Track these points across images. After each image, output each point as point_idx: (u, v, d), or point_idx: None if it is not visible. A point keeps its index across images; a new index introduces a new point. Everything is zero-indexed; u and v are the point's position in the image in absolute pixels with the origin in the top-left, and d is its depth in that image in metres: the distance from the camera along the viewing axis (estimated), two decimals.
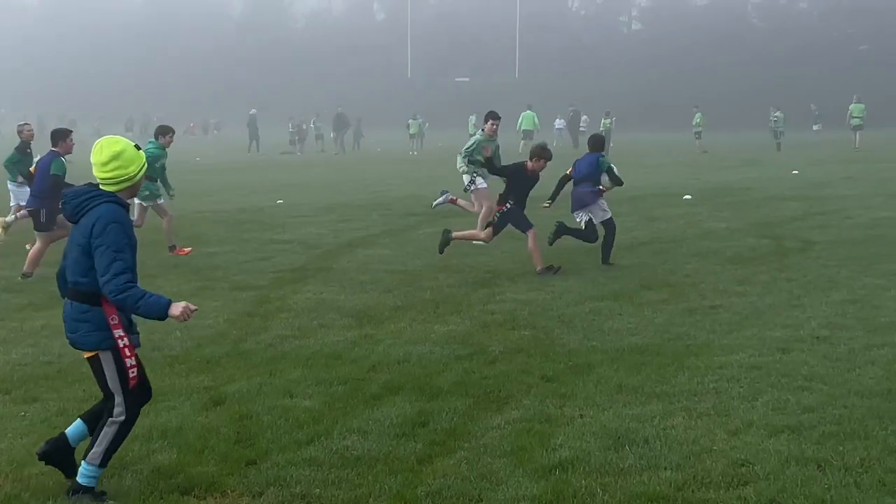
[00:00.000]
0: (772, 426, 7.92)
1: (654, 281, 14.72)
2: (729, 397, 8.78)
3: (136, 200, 17.95)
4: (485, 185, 18.74)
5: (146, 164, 6.93)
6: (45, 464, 7.08)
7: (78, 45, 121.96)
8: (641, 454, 7.42)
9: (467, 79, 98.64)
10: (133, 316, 6.86)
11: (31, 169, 17.33)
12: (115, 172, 6.68)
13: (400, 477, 7.10)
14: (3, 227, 18.28)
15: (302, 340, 11.48)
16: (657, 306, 12.88)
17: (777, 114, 55.63)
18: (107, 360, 6.72)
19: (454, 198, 20.56)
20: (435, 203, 21.08)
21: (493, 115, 18.93)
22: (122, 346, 6.68)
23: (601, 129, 58.36)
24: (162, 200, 18.45)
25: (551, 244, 16.63)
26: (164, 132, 18.44)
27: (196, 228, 21.59)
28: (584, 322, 12.07)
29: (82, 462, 6.82)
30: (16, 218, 19.10)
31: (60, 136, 16.70)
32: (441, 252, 16.58)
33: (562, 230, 16.62)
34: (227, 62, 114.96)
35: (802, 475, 6.90)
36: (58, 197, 15.47)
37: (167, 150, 18.46)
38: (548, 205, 16.89)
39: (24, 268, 16.16)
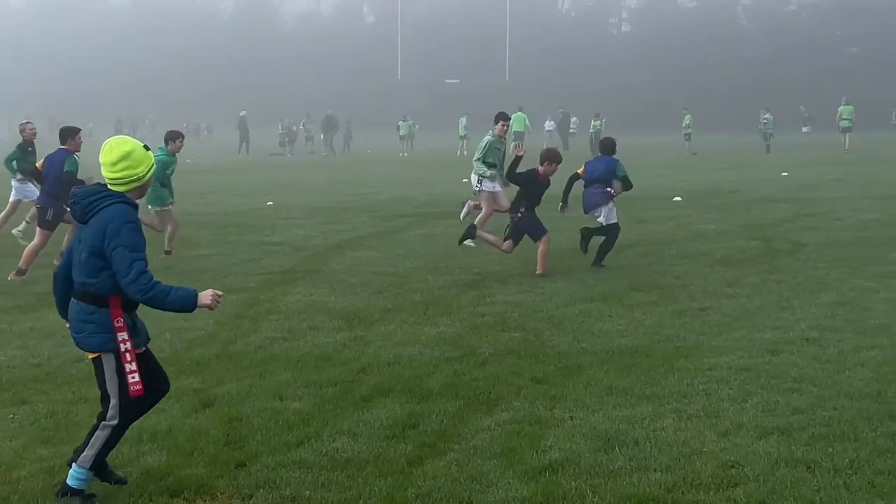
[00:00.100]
0: (761, 428, 7.93)
1: (643, 283, 14.73)
2: (719, 399, 8.79)
3: (151, 208, 17.97)
4: (490, 188, 18.64)
5: (154, 165, 6.92)
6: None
7: (67, 45, 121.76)
8: (631, 456, 7.42)
9: (457, 80, 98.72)
10: (133, 317, 6.86)
11: (39, 164, 17.32)
12: (125, 173, 6.66)
13: (390, 479, 7.09)
14: (23, 236, 18.48)
15: (292, 342, 11.47)
16: (647, 308, 12.89)
17: (767, 116, 55.77)
18: (108, 362, 6.69)
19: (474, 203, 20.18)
20: (462, 215, 20.49)
21: (503, 117, 18.83)
22: (123, 350, 6.65)
23: (591, 130, 58.48)
24: (170, 207, 18.40)
25: (585, 251, 16.65)
26: (173, 137, 18.26)
27: (185, 230, 21.53)
28: (573, 324, 12.07)
29: (73, 464, 6.80)
30: (27, 223, 19.36)
31: (69, 134, 16.83)
32: (460, 243, 16.74)
33: (589, 234, 16.62)
34: (217, 64, 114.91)
35: (792, 477, 6.91)
36: (67, 195, 15.52)
37: (176, 155, 18.33)
38: (561, 207, 16.91)
39: (20, 263, 16.20)
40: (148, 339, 7.02)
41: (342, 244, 19.92)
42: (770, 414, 8.31)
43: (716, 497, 6.67)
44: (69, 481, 6.77)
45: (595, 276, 15.44)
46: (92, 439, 6.78)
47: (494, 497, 6.77)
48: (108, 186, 6.70)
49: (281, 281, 15.60)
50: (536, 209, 16.03)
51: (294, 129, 68.11)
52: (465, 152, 57.62)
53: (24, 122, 20.86)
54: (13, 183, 20.26)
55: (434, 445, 7.77)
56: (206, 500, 6.84)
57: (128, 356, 6.66)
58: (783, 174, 35.07)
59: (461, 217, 20.61)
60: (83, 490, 6.78)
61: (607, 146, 16.93)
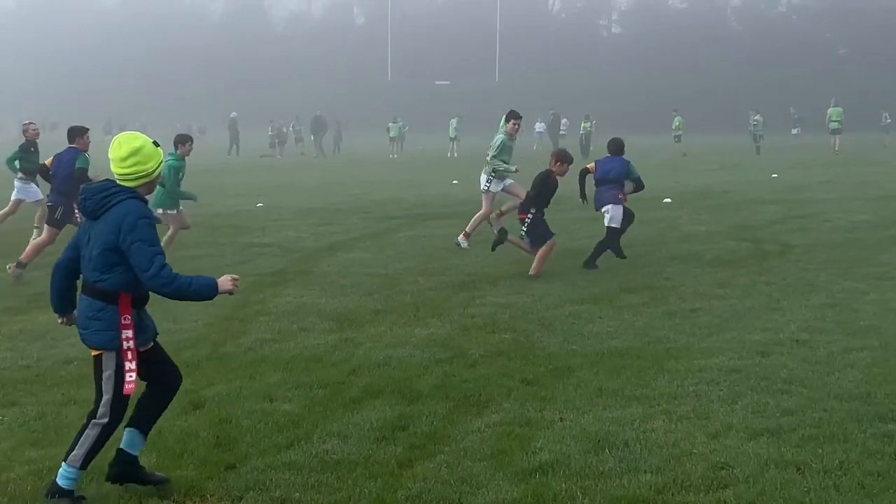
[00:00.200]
0: (751, 429, 7.93)
1: (634, 284, 14.74)
2: (709, 400, 8.79)
3: (159, 210, 17.93)
4: (497, 188, 18.62)
5: (163, 161, 6.93)
6: (120, 484, 6.97)
7: (56, 47, 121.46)
8: (621, 457, 7.42)
9: (448, 82, 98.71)
10: (142, 313, 6.87)
11: (48, 162, 17.32)
12: (134, 168, 6.68)
13: (380, 481, 7.09)
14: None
15: (282, 344, 11.46)
16: (637, 309, 12.90)
17: (756, 117, 55.85)
18: (109, 359, 6.68)
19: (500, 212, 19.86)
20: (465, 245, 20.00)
21: (514, 115, 18.78)
22: (125, 348, 6.65)
23: (581, 132, 58.50)
24: (175, 211, 18.39)
25: (623, 256, 16.89)
26: (182, 141, 18.26)
27: None
28: (564, 325, 12.07)
29: (63, 464, 6.78)
30: (36, 229, 19.46)
31: (78, 133, 17.00)
32: (493, 249, 16.58)
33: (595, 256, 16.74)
34: (208, 65, 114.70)
35: (782, 478, 6.92)
36: (77, 193, 15.62)
37: (185, 159, 18.29)
38: (583, 201, 17.27)
39: (23, 256, 16.27)
40: (156, 334, 7.02)
41: (333, 245, 19.91)
42: (760, 415, 8.32)
43: (706, 499, 6.67)
44: (59, 481, 6.74)
45: (585, 277, 15.45)
46: (82, 438, 6.76)
47: (484, 499, 6.77)
48: (118, 182, 6.71)
49: (271, 282, 15.59)
50: (545, 211, 16.05)
51: (284, 130, 68.09)
52: (456, 154, 57.64)
53: (26, 122, 20.97)
54: (16, 182, 20.32)
55: (424, 447, 7.76)
56: (195, 502, 6.83)
57: (129, 354, 6.66)
58: (773, 176, 35.14)
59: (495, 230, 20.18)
60: (73, 491, 6.76)
61: (616, 146, 17.13)
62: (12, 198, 20.34)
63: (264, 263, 17.54)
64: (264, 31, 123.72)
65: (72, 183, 16.23)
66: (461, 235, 18.22)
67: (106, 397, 6.72)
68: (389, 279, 15.73)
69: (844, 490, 6.70)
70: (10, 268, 16.29)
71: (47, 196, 17.25)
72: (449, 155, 57.75)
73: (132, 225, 6.50)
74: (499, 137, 18.40)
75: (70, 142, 16.95)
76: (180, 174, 17.93)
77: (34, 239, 18.56)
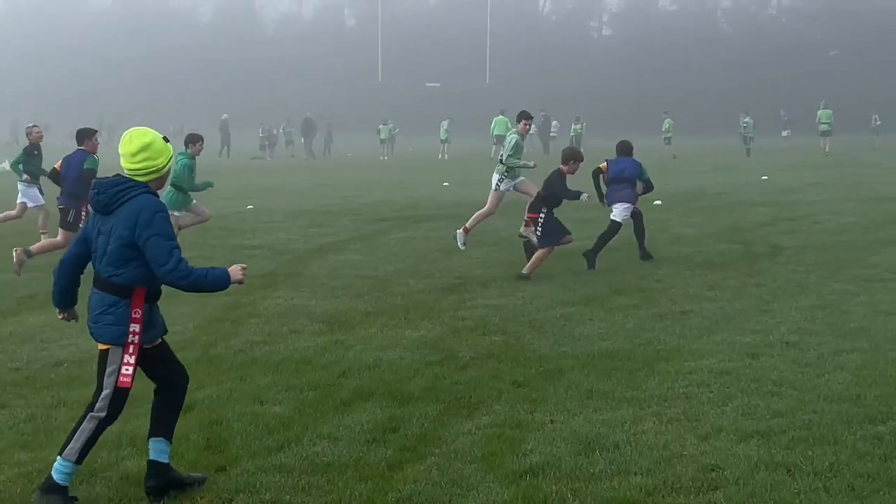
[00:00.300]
0: (741, 431, 7.94)
1: (624, 286, 14.75)
2: (699, 402, 8.80)
3: (172, 213, 18.00)
4: (506, 188, 18.68)
5: (173, 157, 6.94)
6: (161, 496, 6.90)
7: (46, 48, 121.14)
8: (612, 459, 7.43)
9: (438, 84, 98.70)
10: (153, 308, 6.88)
11: (57, 165, 17.33)
12: (144, 164, 6.69)
13: (370, 483, 7.08)
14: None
15: (272, 346, 11.45)
16: (628, 311, 12.91)
17: (747, 119, 55.93)
18: (115, 353, 6.68)
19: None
20: (460, 245, 19.77)
21: (525, 115, 19.02)
22: (129, 341, 6.65)
23: (571, 133, 58.60)
24: (183, 212, 18.55)
25: (648, 256, 17.16)
26: (193, 140, 18.44)
27: None
28: (554, 327, 12.08)
29: (58, 457, 6.76)
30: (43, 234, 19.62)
31: (86, 135, 17.05)
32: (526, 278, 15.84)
33: (640, 241, 17.20)
34: (198, 66, 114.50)
35: (772, 480, 6.93)
36: (86, 195, 15.77)
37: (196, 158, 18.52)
38: (603, 203, 17.35)
39: (34, 246, 16.38)
40: (165, 332, 7.02)
41: (323, 247, 19.90)
42: (750, 417, 8.33)
43: (696, 500, 6.67)
44: (54, 475, 6.72)
45: (576, 279, 15.45)
46: (78, 431, 6.75)
47: (475, 501, 6.77)
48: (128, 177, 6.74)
49: (261, 284, 15.57)
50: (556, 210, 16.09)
51: (274, 132, 68.01)
52: (447, 156, 57.65)
53: (30, 125, 21.05)
54: (19, 186, 20.37)
55: (414, 449, 7.76)
56: None
57: (131, 348, 6.66)
58: (763, 178, 35.17)
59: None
60: (67, 488, 6.74)
61: (626, 148, 17.42)
62: (18, 201, 20.41)
63: (255, 265, 17.51)
64: (254, 32, 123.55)
65: (80, 185, 16.31)
66: (461, 230, 18.38)
67: (106, 392, 6.71)
68: (380, 281, 15.73)
69: (834, 492, 6.71)
70: (16, 251, 16.43)
71: (57, 199, 17.24)
72: (440, 157, 57.77)
73: (149, 220, 6.52)
74: (512, 137, 18.60)
75: (78, 144, 17.03)
76: (193, 173, 18.21)
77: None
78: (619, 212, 16.89)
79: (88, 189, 16.16)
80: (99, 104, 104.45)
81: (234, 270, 6.80)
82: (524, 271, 15.62)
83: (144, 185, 6.69)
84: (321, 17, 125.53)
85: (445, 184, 36.26)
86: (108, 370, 6.70)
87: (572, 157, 16.07)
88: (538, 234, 15.86)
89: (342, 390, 9.48)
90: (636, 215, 17.11)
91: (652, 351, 10.81)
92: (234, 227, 23.44)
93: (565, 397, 9.07)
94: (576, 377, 9.74)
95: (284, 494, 6.94)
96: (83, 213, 16.43)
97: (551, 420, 8.42)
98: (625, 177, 17.00)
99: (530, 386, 9.51)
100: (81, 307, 7.08)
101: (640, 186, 17.15)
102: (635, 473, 7.15)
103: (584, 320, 12.42)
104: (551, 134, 64.70)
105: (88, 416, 6.76)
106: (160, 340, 6.98)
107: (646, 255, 17.15)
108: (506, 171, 18.47)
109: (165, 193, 17.86)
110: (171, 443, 7.04)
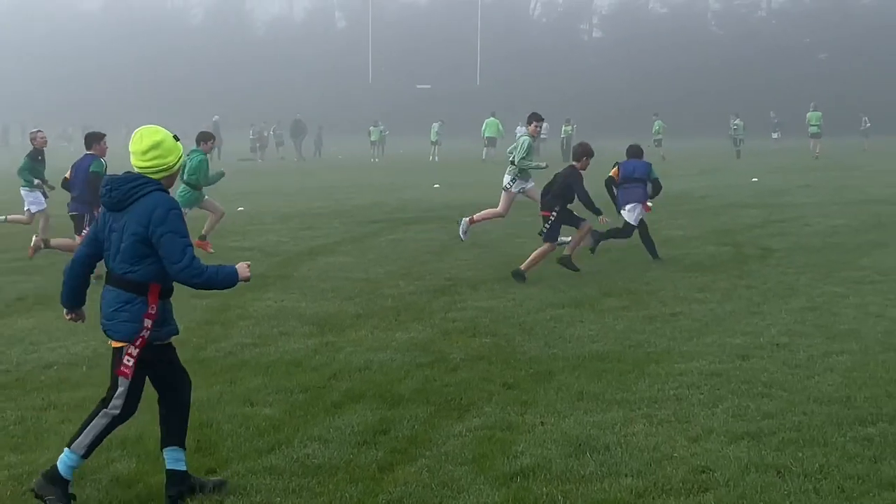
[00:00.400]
0: (732, 433, 7.95)
1: (614, 288, 14.76)
2: (689, 404, 8.81)
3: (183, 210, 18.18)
4: (519, 188, 18.70)
5: (182, 155, 6.96)
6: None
7: (36, 51, 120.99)
8: (602, 461, 7.43)
9: (429, 86, 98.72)
10: (167, 305, 6.88)
11: (68, 175, 17.31)
12: (154, 162, 6.70)
13: (361, 485, 7.08)
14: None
15: (262, 348, 11.44)
16: (618, 313, 12.92)
17: (737, 121, 56.00)
18: (129, 349, 6.67)
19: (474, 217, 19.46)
20: (462, 234, 19.29)
21: (536, 117, 19.20)
22: (140, 335, 6.64)
23: (562, 136, 58.57)
24: (191, 210, 18.74)
25: (654, 257, 17.29)
26: (205, 139, 19.13)
27: None
28: (545, 329, 12.08)
29: (65, 449, 6.75)
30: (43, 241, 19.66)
31: (95, 139, 17.06)
32: (524, 280, 15.65)
33: (609, 234, 17.29)
34: (189, 68, 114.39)
35: (762, 482, 6.94)
36: (96, 197, 15.83)
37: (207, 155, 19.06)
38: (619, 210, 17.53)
39: (53, 240, 16.50)
40: (176, 332, 7.00)
41: (313, 250, 19.88)
42: (740, 419, 8.34)
43: (686, 502, 6.68)
44: (59, 465, 6.71)
45: (566, 281, 15.45)
46: (89, 426, 6.75)
47: (465, 503, 6.77)
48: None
49: (252, 286, 15.48)
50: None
51: (265, 134, 67.91)
52: (437, 158, 57.62)
53: (34, 130, 21.02)
54: (22, 191, 20.38)
55: (405, 451, 7.76)
56: None
57: (138, 341, 6.64)
58: (753, 180, 35.23)
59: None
60: (69, 482, 6.72)
61: (636, 151, 17.87)
62: (25, 208, 20.46)
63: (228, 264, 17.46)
64: (245, 34, 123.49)
65: (88, 189, 16.31)
66: (468, 218, 18.76)
67: (121, 389, 6.70)
68: (370, 283, 15.72)
69: (824, 493, 6.72)
70: (36, 237, 16.49)
71: (67, 205, 17.18)
72: (430, 159, 57.76)
73: (163, 217, 6.53)
74: (524, 139, 18.68)
75: (87, 148, 17.02)
76: (208, 167, 18.79)
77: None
78: (632, 214, 17.11)
79: (96, 193, 16.27)
80: (88, 106, 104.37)
81: (241, 268, 6.85)
82: (521, 267, 15.63)
83: (157, 181, 6.71)
84: (312, 19, 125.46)
85: (436, 186, 36.27)
86: (124, 367, 6.69)
87: (585, 153, 16.13)
88: (546, 228, 15.90)
89: (332, 392, 9.48)
90: (641, 223, 17.31)
91: (642, 353, 10.82)
92: (225, 229, 23.37)
93: (556, 399, 9.07)
94: (566, 379, 9.74)
95: (275, 496, 6.94)
96: (87, 221, 16.44)
97: (542, 422, 8.42)
98: (636, 176, 17.26)
99: (521, 388, 9.51)
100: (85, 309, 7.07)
101: (649, 188, 17.38)
102: (626, 475, 7.16)
103: (575, 322, 12.43)
104: (542, 136, 64.61)
105: (102, 412, 6.75)
106: (168, 341, 6.95)
107: (656, 256, 17.32)
108: (518, 173, 18.52)
109: (178, 191, 18.02)
110: (185, 449, 7.00)
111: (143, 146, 6.69)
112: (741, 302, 13.49)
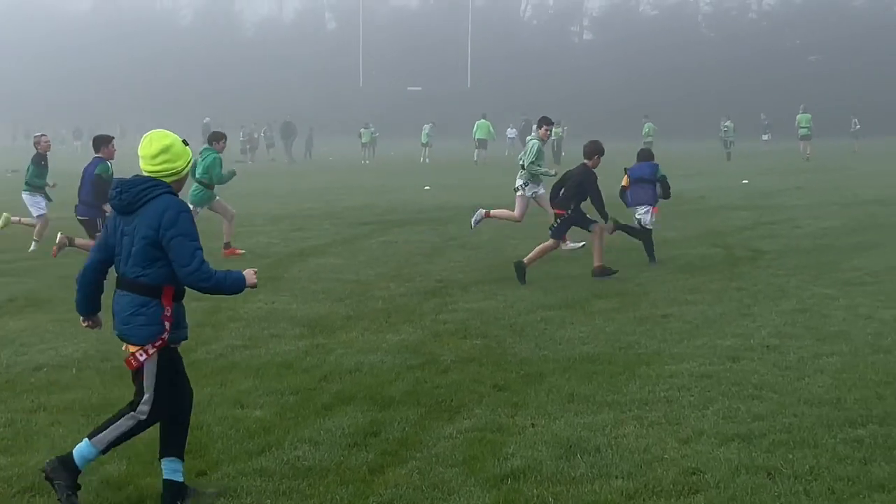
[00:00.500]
0: (722, 434, 7.96)
1: (605, 290, 14.77)
2: (680, 406, 8.82)
3: (195, 208, 18.51)
4: (532, 193, 18.71)
5: (192, 160, 6.97)
6: None
7: (25, 52, 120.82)
8: (593, 463, 7.43)
9: (419, 88, 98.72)
10: (181, 308, 6.87)
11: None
12: (164, 166, 6.70)
13: (351, 487, 7.07)
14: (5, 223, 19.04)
15: (253, 350, 11.42)
16: (608, 315, 12.92)
17: (727, 123, 56.07)
18: (148, 351, 6.65)
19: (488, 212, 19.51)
20: (473, 223, 19.09)
21: (546, 121, 19.21)
22: (160, 337, 6.63)
23: (553, 137, 58.55)
24: (202, 209, 18.95)
25: (651, 261, 17.33)
26: (217, 138, 19.42)
27: None
28: (535, 331, 12.09)
29: (86, 440, 6.75)
30: (36, 242, 20.04)
31: (103, 142, 17.14)
32: (522, 282, 15.58)
33: (622, 227, 17.39)
34: (179, 70, 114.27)
35: (752, 483, 6.94)
36: (103, 199, 16.15)
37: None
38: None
39: (78, 239, 16.64)
40: (186, 336, 7.00)
41: (304, 251, 19.87)
42: (731, 421, 8.35)
43: None
44: (75, 453, 6.71)
45: (557, 283, 15.46)
46: (115, 424, 6.75)
47: None
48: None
49: None
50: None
51: (255, 136, 67.86)
52: (428, 160, 57.63)
53: (38, 134, 21.04)
54: (24, 195, 20.38)
55: (396, 453, 7.75)
56: None
57: (159, 342, 6.63)
58: (744, 182, 35.28)
59: (472, 225, 19.28)
60: (79, 471, 6.72)
61: (646, 155, 18.10)
62: (35, 214, 20.45)
63: (235, 269, 17.44)
64: (235, 35, 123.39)
65: (93, 191, 16.37)
66: (485, 212, 18.62)
67: (148, 395, 6.71)
68: (361, 285, 15.71)
69: (815, 495, 6.73)
70: (61, 234, 16.53)
71: (75, 208, 17.16)
72: (421, 161, 57.76)
73: (173, 219, 6.53)
74: (534, 143, 18.69)
75: (95, 151, 17.08)
76: (221, 166, 19.03)
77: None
78: (646, 218, 17.36)
79: (100, 195, 16.31)
80: (78, 108, 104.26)
81: (249, 274, 6.89)
82: (525, 260, 15.66)
83: (167, 185, 6.71)
84: (302, 20, 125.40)
85: (427, 188, 36.27)
86: (146, 371, 6.69)
87: (596, 151, 16.20)
88: (557, 223, 15.93)
89: (323, 394, 9.47)
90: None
91: (633, 354, 10.83)
92: (215, 232, 23.32)
93: (546, 401, 9.07)
94: (557, 381, 9.74)
95: (265, 499, 6.93)
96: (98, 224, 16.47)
97: (532, 424, 8.42)
98: (646, 177, 17.45)
99: (511, 390, 9.51)
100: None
101: (659, 190, 17.55)
102: (616, 477, 7.16)
103: (565, 324, 12.43)
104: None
105: (130, 414, 6.75)
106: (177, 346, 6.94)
107: (653, 260, 17.34)
108: (529, 177, 18.53)
109: (191, 190, 18.06)
110: (183, 460, 6.98)
111: (152, 150, 6.69)
112: (732, 304, 13.51)
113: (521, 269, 15.57)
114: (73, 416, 8.93)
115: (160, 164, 6.68)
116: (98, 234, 16.38)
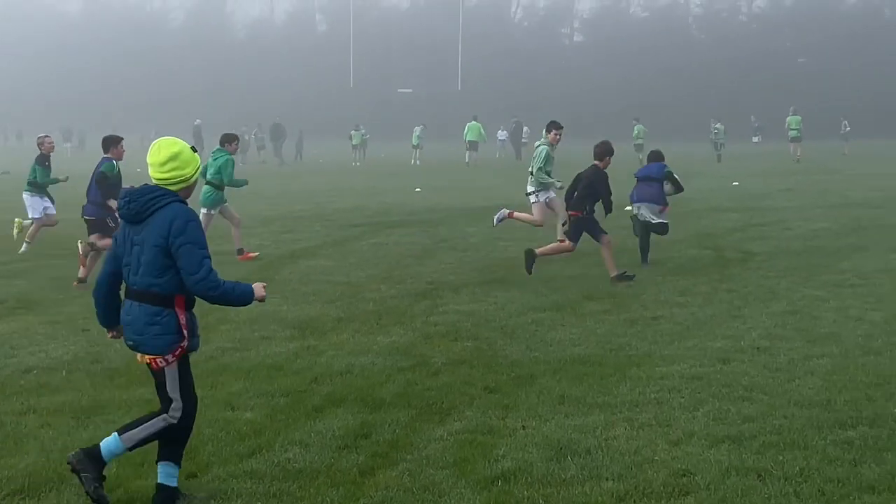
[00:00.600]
0: (713, 436, 7.97)
1: (596, 292, 14.77)
2: (670, 408, 8.82)
3: (204, 210, 18.79)
4: (545, 198, 18.69)
5: (200, 167, 6.98)
6: None
7: (14, 52, 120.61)
8: (583, 465, 7.43)
9: (410, 90, 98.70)
10: (193, 316, 6.86)
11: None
12: (173, 173, 6.71)
13: (342, 489, 7.07)
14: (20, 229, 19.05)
15: (243, 352, 11.41)
16: (599, 317, 12.93)
17: (718, 125, 56.16)
18: (168, 360, 6.67)
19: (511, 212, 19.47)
20: (496, 220, 18.95)
21: (555, 125, 19.11)
22: (180, 346, 6.66)
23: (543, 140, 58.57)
24: (216, 211, 19.16)
25: (644, 262, 17.38)
26: (229, 140, 19.37)
27: None
28: (526, 333, 12.09)
29: (115, 434, 6.77)
30: (27, 244, 20.08)
31: (112, 143, 17.04)
32: (529, 272, 15.99)
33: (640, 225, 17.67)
34: (169, 72, 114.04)
35: (743, 485, 6.95)
36: (107, 194, 16.30)
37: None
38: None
39: (100, 242, 16.52)
40: (196, 346, 6.99)
41: (294, 253, 19.86)
42: (721, 422, 8.36)
43: None
44: (102, 446, 6.73)
45: (548, 285, 15.46)
46: (146, 424, 6.78)
47: None
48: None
49: None
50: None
51: (246, 138, 67.73)
52: (419, 162, 57.61)
53: (42, 135, 21.06)
54: (25, 196, 20.36)
55: (386, 455, 7.75)
56: None
57: (178, 351, 6.67)
58: (734, 184, 35.31)
59: (495, 222, 19.20)
60: (105, 463, 6.74)
61: (657, 155, 18.41)
62: (43, 212, 20.42)
63: (225, 271, 17.25)
64: (226, 37, 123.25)
65: (98, 189, 16.37)
66: (507, 212, 18.48)
67: (175, 402, 6.75)
68: (352, 287, 15.70)
69: (805, 497, 6.74)
70: (81, 243, 16.61)
71: (83, 208, 17.11)
72: (412, 163, 57.72)
73: (182, 228, 6.54)
74: (543, 148, 18.66)
75: (105, 151, 16.99)
76: (233, 167, 19.06)
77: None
78: (645, 214, 17.44)
79: (106, 193, 16.33)
80: (68, 109, 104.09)
81: (258, 288, 6.88)
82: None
83: (175, 193, 6.72)
84: (293, 22, 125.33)
85: (417, 189, 36.25)
86: (168, 379, 6.72)
87: (607, 151, 16.34)
88: (571, 227, 16.13)
89: (314, 396, 9.46)
90: (647, 226, 17.50)
91: (623, 356, 10.84)
92: (223, 234, 23.30)
93: (537, 403, 9.08)
94: (547, 383, 9.75)
95: (256, 501, 6.92)
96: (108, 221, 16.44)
97: (523, 426, 8.42)
98: (652, 176, 17.63)
99: (502, 391, 9.51)
100: None
101: (668, 187, 17.71)
102: (607, 479, 7.16)
103: (556, 326, 12.44)
104: (523, 140, 64.70)
105: (162, 416, 6.78)
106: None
107: (646, 262, 17.39)
108: (538, 183, 18.50)
109: (202, 192, 18.05)
110: (180, 466, 6.97)
111: (161, 158, 6.70)
112: (722, 305, 13.52)
113: (531, 257, 15.70)
114: (63, 418, 8.91)
115: (169, 171, 6.70)
116: (112, 228, 16.47)
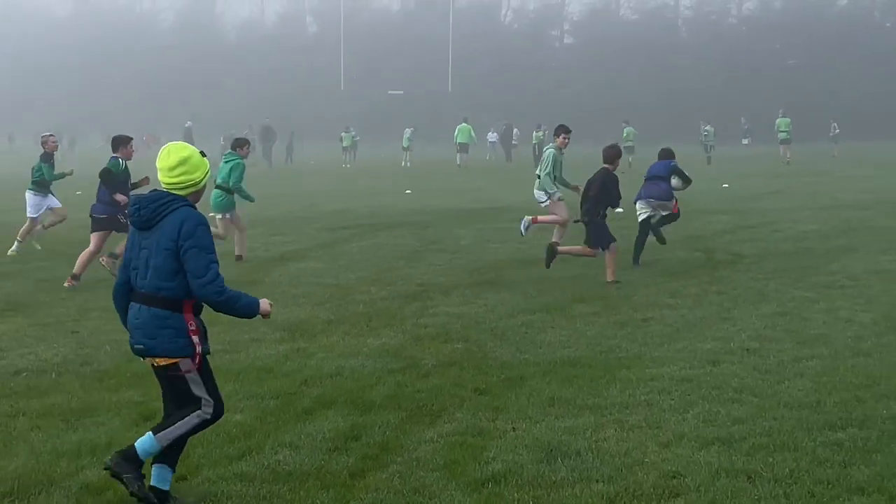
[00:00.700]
0: (702, 438, 7.97)
1: (586, 293, 14.78)
2: (660, 409, 8.83)
3: (216, 215, 18.71)
4: (558, 199, 18.71)
5: (210, 171, 7.00)
6: None
7: (6, 55, 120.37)
8: (573, 467, 7.44)
9: (401, 92, 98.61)
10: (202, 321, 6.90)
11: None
12: (182, 178, 6.73)
13: (332, 491, 7.06)
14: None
15: (233, 354, 11.40)
16: (589, 319, 12.94)
17: (707, 128, 56.21)
18: (186, 364, 6.69)
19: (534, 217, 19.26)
20: (523, 229, 18.94)
21: (564, 129, 19.07)
22: (196, 352, 6.69)
23: (533, 141, 58.61)
24: (230, 215, 19.10)
25: (635, 263, 17.46)
26: (240, 144, 19.48)
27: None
28: (516, 335, 12.09)
29: (149, 433, 6.77)
30: (18, 242, 20.15)
31: (121, 143, 17.14)
32: (548, 266, 16.29)
33: (657, 232, 18.05)
34: (159, 73, 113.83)
35: (732, 487, 6.96)
36: (111, 189, 16.42)
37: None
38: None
39: (118, 248, 16.42)
40: (209, 352, 7.01)
41: (284, 255, 19.85)
42: (711, 424, 8.37)
43: None
44: (137, 446, 6.73)
45: (537, 286, 15.47)
46: (181, 422, 6.77)
47: None
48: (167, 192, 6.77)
49: None
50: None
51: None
52: (409, 164, 57.61)
53: (45, 134, 21.08)
54: (27, 194, 20.36)
55: (376, 458, 7.75)
56: None
57: (197, 359, 6.71)
58: (724, 186, 35.34)
59: (523, 233, 19.23)
60: (143, 462, 6.74)
61: (666, 153, 18.88)
62: (50, 208, 20.44)
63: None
64: (216, 38, 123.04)
65: (104, 186, 16.56)
66: (531, 218, 18.55)
67: (204, 399, 6.78)
68: (341, 289, 15.70)
69: (794, 498, 6.75)
70: (102, 260, 16.59)
71: (91, 207, 17.09)
72: (402, 164, 57.71)
73: (191, 231, 6.57)
74: (550, 152, 18.70)
75: (113, 151, 17.06)
76: (244, 172, 19.08)
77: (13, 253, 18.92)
78: (658, 216, 17.95)
79: (111, 187, 16.37)
80: (58, 111, 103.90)
81: (264, 303, 6.96)
82: (560, 248, 16.00)
83: (184, 198, 6.74)
84: (283, 23, 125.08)
85: (408, 191, 36.26)
86: (191, 380, 6.74)
87: (617, 155, 16.62)
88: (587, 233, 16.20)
89: (304, 398, 9.46)
90: (643, 226, 17.79)
91: (613, 358, 10.84)
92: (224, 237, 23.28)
93: (527, 405, 9.08)
94: (537, 385, 9.75)
95: (246, 503, 6.92)
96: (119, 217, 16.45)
97: (513, 428, 8.42)
98: (659, 175, 17.99)
99: (492, 393, 9.51)
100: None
101: (676, 182, 18.06)
102: (597, 481, 7.17)
103: (546, 328, 12.45)
104: (513, 142, 64.75)
105: (196, 413, 6.78)
106: None
107: (637, 262, 17.48)
108: (546, 184, 18.52)
109: (213, 195, 18.03)
110: (175, 471, 6.97)
111: (170, 162, 6.72)
112: (712, 307, 13.54)
113: (551, 253, 15.79)
114: (53, 420, 8.90)
115: (178, 175, 6.72)
116: (124, 224, 16.44)
